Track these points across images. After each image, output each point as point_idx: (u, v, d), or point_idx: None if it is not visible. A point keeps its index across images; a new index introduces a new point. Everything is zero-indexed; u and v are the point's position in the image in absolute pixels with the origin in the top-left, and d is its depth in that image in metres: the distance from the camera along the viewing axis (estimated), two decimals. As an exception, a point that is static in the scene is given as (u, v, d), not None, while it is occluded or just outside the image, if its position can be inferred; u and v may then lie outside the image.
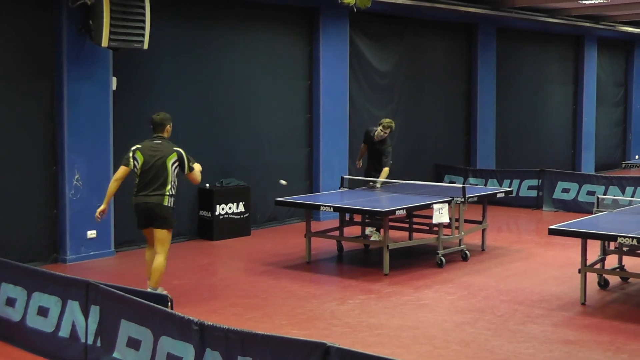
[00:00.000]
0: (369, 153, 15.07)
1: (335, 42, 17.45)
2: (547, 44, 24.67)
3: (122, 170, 10.66)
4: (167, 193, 10.53)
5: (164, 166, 10.50)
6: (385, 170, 14.51)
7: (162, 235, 10.61)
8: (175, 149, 10.59)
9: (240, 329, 6.50)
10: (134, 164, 10.59)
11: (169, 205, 10.56)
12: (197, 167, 10.76)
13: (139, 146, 10.66)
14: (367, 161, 15.17)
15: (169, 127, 10.84)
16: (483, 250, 14.31)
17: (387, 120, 14.82)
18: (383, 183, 14.62)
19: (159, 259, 10.56)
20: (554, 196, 19.08)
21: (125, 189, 14.06)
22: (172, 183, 10.56)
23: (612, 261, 11.92)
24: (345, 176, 15.38)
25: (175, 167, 10.56)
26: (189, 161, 10.60)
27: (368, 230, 14.61)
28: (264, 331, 6.49)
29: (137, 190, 10.68)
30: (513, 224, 17.74)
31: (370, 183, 14.75)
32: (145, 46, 13.23)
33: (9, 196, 12.75)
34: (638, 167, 22.94)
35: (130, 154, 10.63)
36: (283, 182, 14.04)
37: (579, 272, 10.83)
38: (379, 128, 14.64)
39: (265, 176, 16.19)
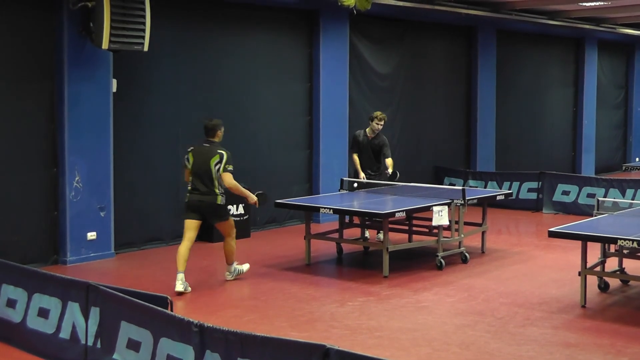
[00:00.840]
0: (363, 155, 15.08)
1: (335, 45, 17.46)
2: (547, 47, 24.68)
3: (185, 172, 11.97)
4: (217, 192, 11.64)
5: (209, 167, 11.57)
6: (391, 160, 14.82)
7: (224, 227, 11.92)
8: (220, 150, 11.62)
9: (239, 330, 6.50)
10: (186, 165, 11.83)
11: (222, 203, 11.73)
12: (230, 178, 11.67)
13: (192, 148, 11.86)
14: (361, 164, 15.14)
15: (219, 132, 11.87)
16: (483, 252, 14.31)
17: (379, 112, 15.11)
18: (390, 179, 14.81)
19: (230, 243, 11.96)
20: (554, 199, 19.09)
21: (125, 190, 14.12)
22: (218, 181, 11.62)
23: (612, 264, 11.92)
24: (344, 178, 15.37)
25: (218, 168, 11.57)
26: (227, 163, 11.58)
27: (379, 235, 14.59)
28: (263, 333, 6.49)
29: (191, 189, 11.79)
30: (513, 227, 17.74)
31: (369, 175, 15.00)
32: (146, 48, 13.23)
33: (9, 198, 12.75)
34: (638, 169, 22.95)
35: (185, 156, 11.89)
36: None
37: (579, 274, 10.82)
38: (374, 122, 14.88)
39: (265, 178, 16.18)
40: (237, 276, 12.17)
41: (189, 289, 11.57)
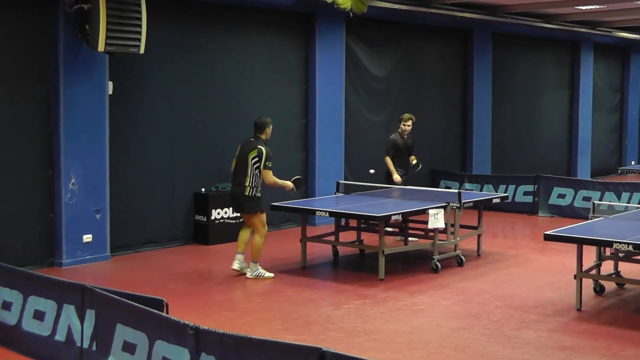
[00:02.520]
0: (401, 157, 15.57)
1: (331, 47, 17.47)
2: (543, 50, 24.70)
3: (233, 163, 12.68)
4: (247, 184, 12.19)
5: (246, 160, 12.23)
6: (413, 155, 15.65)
7: (252, 220, 12.42)
8: (259, 146, 12.22)
9: (235, 333, 6.51)
10: (235, 156, 12.57)
11: (250, 195, 12.22)
12: (270, 175, 12.26)
13: (242, 143, 12.56)
14: (399, 166, 15.53)
15: (268, 130, 12.54)
16: (479, 255, 14.32)
17: (406, 114, 15.76)
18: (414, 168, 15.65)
19: (255, 238, 12.40)
20: (550, 202, 19.09)
21: (121, 192, 14.12)
22: (252, 176, 12.18)
23: (607, 267, 11.93)
24: (340, 181, 15.38)
25: (255, 162, 12.15)
26: (266, 160, 12.14)
27: (410, 238, 14.63)
28: (259, 336, 6.48)
29: (231, 180, 12.67)
30: (509, 230, 17.75)
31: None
32: (142, 51, 13.23)
33: (5, 200, 12.74)
34: (634, 172, 22.97)
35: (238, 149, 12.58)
36: (372, 171, 15.44)
37: (575, 277, 10.84)
38: (408, 124, 15.53)
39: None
40: (257, 277, 12.35)
41: (248, 270, 12.55)
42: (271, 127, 12.62)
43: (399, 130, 15.55)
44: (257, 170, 12.17)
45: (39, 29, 13.04)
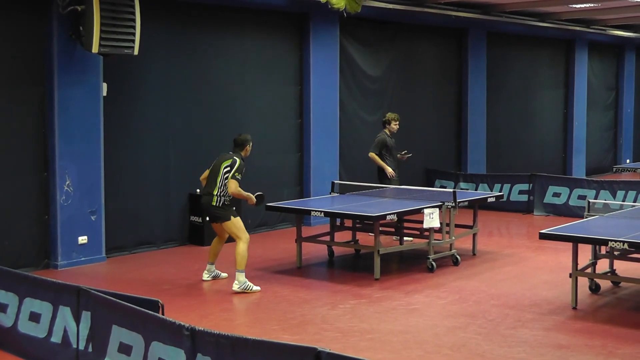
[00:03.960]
0: (392, 156, 15.59)
1: (325, 47, 17.47)
2: (537, 48, 24.71)
3: (205, 172, 12.39)
4: (215, 193, 11.89)
5: (219, 169, 11.96)
6: None
7: (226, 228, 12.03)
8: (235, 157, 11.98)
9: (231, 334, 6.51)
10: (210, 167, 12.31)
11: (217, 204, 11.92)
12: (235, 185, 11.85)
13: (220, 155, 12.25)
14: (390, 162, 15.54)
15: (247, 147, 12.26)
16: (474, 254, 14.33)
17: (393, 114, 15.72)
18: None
19: (238, 246, 11.83)
20: (545, 200, 19.10)
21: (116, 194, 14.12)
22: (221, 185, 11.89)
23: (603, 265, 11.95)
24: (335, 181, 15.39)
25: (226, 172, 11.85)
26: (237, 170, 11.84)
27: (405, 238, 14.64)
28: (255, 336, 6.48)
29: (202, 190, 12.47)
30: (504, 229, 17.76)
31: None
32: (136, 52, 13.22)
33: (0, 202, 12.76)
34: (629, 171, 22.99)
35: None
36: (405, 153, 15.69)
37: (570, 276, 10.84)
38: (394, 124, 15.54)
39: (256, 181, 16.15)
40: (244, 290, 11.70)
41: (223, 275, 12.57)
42: (251, 144, 12.31)
43: (386, 131, 15.51)
44: (227, 180, 11.81)
45: (33, 30, 13.03)
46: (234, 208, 12.16)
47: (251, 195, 12.08)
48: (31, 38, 13.02)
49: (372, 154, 15.36)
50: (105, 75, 13.71)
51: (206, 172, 12.26)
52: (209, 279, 12.39)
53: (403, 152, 15.74)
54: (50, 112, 13.14)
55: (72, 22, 12.94)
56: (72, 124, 13.26)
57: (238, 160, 11.88)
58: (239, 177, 11.83)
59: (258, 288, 11.81)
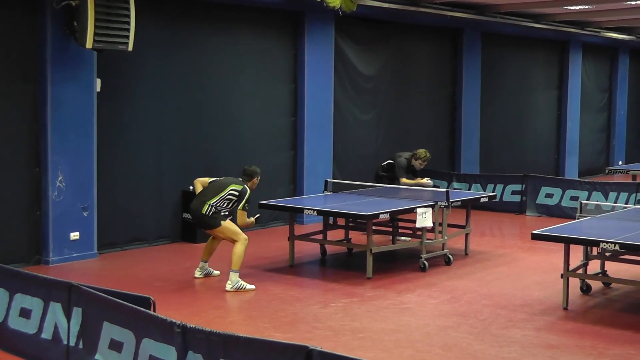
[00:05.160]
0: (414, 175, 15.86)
1: (320, 46, 17.46)
2: (532, 49, 24.73)
3: (203, 179, 12.34)
4: (209, 203, 11.79)
5: (225, 186, 11.87)
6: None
7: (220, 234, 11.98)
8: (245, 186, 11.94)
9: (222, 331, 6.50)
10: (210, 178, 12.32)
11: (207, 213, 11.80)
12: (244, 217, 11.90)
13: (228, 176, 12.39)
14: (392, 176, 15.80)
15: (255, 180, 12.26)
16: (466, 254, 14.34)
17: (423, 151, 15.89)
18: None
19: (236, 247, 11.77)
20: (538, 201, 19.13)
21: (108, 190, 14.10)
22: (218, 200, 11.80)
23: (594, 266, 11.97)
24: (329, 180, 15.39)
25: (231, 194, 11.81)
26: (246, 202, 11.82)
27: (402, 237, 14.64)
28: (246, 334, 6.49)
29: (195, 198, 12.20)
30: (496, 229, 17.77)
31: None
32: (130, 48, 13.20)
33: (-9, 197, 12.74)
34: (621, 172, 23.03)
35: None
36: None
37: (562, 277, 10.87)
38: (419, 162, 15.75)
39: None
40: (238, 289, 11.68)
41: (216, 272, 12.53)
42: (259, 178, 12.32)
43: (413, 162, 15.76)
44: (227, 201, 11.78)
45: (27, 25, 12.99)
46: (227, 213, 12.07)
47: (253, 220, 12.09)
48: (25, 33, 12.98)
49: (403, 180, 15.59)
50: (99, 71, 13.69)
51: (205, 179, 12.25)
52: (200, 276, 12.38)
53: (426, 178, 15.99)
54: (43, 108, 13.11)
55: (66, 17, 12.91)
56: (65, 119, 13.23)
57: (248, 191, 11.88)
58: (247, 207, 11.88)
59: (252, 287, 11.76)
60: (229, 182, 11.91)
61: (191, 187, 14.98)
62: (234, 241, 11.80)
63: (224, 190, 11.79)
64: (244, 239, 11.82)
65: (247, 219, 11.93)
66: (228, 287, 11.67)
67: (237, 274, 11.70)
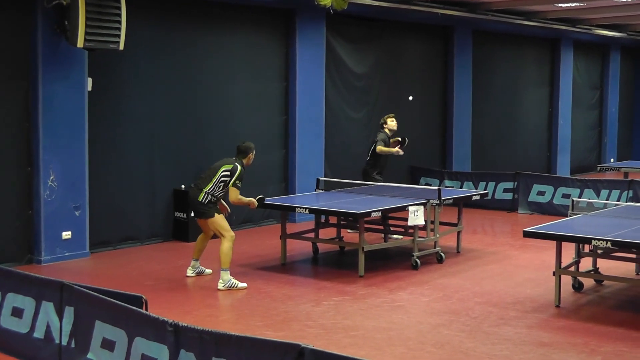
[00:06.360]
0: (380, 157, 15.72)
1: (311, 44, 17.46)
2: (523, 47, 24.77)
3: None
4: (205, 190, 11.74)
5: (217, 170, 11.82)
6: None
7: (211, 225, 11.93)
8: (236, 163, 11.87)
9: (214, 330, 6.50)
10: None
11: (202, 200, 11.75)
12: (236, 193, 11.84)
13: (222, 159, 12.14)
14: (379, 166, 15.81)
15: (251, 155, 12.16)
16: (458, 252, 14.35)
17: (388, 115, 16.09)
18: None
19: (222, 245, 11.77)
20: (530, 199, 19.16)
21: (100, 189, 14.08)
22: (213, 186, 11.75)
23: (586, 264, 11.98)
24: (320, 178, 15.39)
25: (224, 175, 11.75)
26: (237, 178, 11.76)
27: (395, 236, 14.64)
28: (238, 332, 6.49)
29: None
30: (488, 227, 17.79)
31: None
32: (121, 47, 13.19)
33: (-17, 197, 12.71)
34: (613, 170, 23.07)
35: None
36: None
37: (554, 274, 10.88)
38: (390, 122, 15.86)
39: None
40: (229, 288, 11.61)
41: (208, 271, 12.52)
42: (254, 153, 12.20)
43: (386, 130, 15.72)
44: (222, 184, 11.72)
45: (18, 24, 12.97)
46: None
47: (253, 199, 12.13)
48: (15, 32, 12.96)
49: (379, 147, 15.51)
50: (90, 70, 13.67)
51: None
52: (193, 275, 12.38)
53: (397, 147, 15.93)
54: (34, 107, 13.09)
55: (57, 16, 12.90)
56: (56, 118, 13.21)
57: (239, 168, 11.79)
58: (239, 184, 11.78)
59: (244, 285, 11.76)
60: (221, 164, 11.87)
61: (183, 186, 15.06)
62: (220, 235, 11.80)
63: (216, 174, 11.77)
64: (230, 236, 11.78)
65: (242, 198, 11.94)
66: (220, 286, 11.65)
67: (228, 272, 11.69)
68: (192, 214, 12.66)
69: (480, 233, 16.86)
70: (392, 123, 15.74)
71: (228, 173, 11.74)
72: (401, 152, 15.74)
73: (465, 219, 15.00)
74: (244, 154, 12.07)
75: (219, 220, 11.86)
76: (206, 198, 11.74)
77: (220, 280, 11.68)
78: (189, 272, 12.40)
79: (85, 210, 13.70)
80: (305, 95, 17.40)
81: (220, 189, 11.78)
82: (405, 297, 11.39)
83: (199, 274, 12.43)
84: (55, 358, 8.04)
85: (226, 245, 11.70)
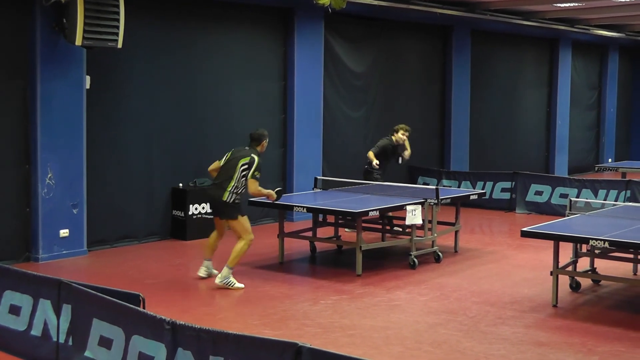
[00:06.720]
0: (388, 161, 15.80)
1: (310, 43, 17.45)
2: (521, 47, 24.77)
3: (214, 164, 12.15)
4: (229, 189, 11.58)
5: (235, 166, 11.64)
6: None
7: (232, 226, 11.77)
8: (253, 155, 11.72)
9: (212, 328, 6.50)
10: (221, 160, 12.00)
11: (228, 200, 11.59)
12: (255, 185, 11.74)
13: (234, 149, 12.03)
14: (380, 168, 15.61)
15: (264, 143, 12.09)
16: (456, 252, 14.36)
17: (403, 125, 15.87)
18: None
19: (239, 244, 11.67)
20: (527, 199, 19.16)
21: (98, 187, 14.08)
22: (236, 182, 11.59)
23: (584, 264, 11.98)
24: (318, 177, 15.39)
25: (244, 170, 11.60)
26: (255, 169, 11.62)
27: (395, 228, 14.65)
28: (236, 331, 6.49)
29: (211, 184, 12.22)
30: (486, 226, 17.80)
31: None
32: (119, 45, 13.18)
33: (-19, 194, 12.71)
34: (611, 170, 23.08)
35: (227, 154, 12.02)
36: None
37: (551, 274, 10.88)
38: (400, 133, 15.67)
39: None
40: (225, 285, 11.54)
41: (215, 272, 12.14)
42: (267, 140, 12.15)
43: (393, 138, 15.72)
44: (244, 179, 11.57)
45: (16, 22, 12.97)
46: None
47: (271, 191, 12.11)
48: (14, 30, 12.96)
49: (370, 152, 15.44)
50: (88, 68, 13.66)
51: (215, 164, 12.04)
52: (204, 276, 12.14)
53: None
54: (32, 105, 13.08)
55: (55, 14, 12.89)
56: (54, 116, 13.21)
57: (257, 159, 11.66)
58: (258, 176, 11.68)
59: (241, 285, 11.69)
60: (238, 159, 11.69)
61: (181, 185, 15.06)
62: (239, 237, 11.68)
63: (236, 170, 11.60)
64: (249, 239, 11.68)
65: (262, 189, 11.91)
66: (217, 280, 11.63)
67: (231, 271, 11.62)
68: (212, 212, 12.38)
69: (478, 233, 16.87)
70: (400, 135, 15.64)
71: (247, 166, 11.60)
72: (375, 167, 15.43)
73: (462, 219, 15.00)
74: (257, 142, 11.97)
75: (243, 222, 11.75)
76: (231, 197, 11.59)
77: (219, 275, 11.65)
78: (202, 273, 12.16)
79: (83, 208, 13.69)
80: (303, 94, 17.40)
81: (243, 184, 11.64)
82: (402, 296, 11.40)
83: (210, 275, 12.18)
84: (53, 356, 8.04)
85: (242, 245, 11.61)
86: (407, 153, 15.82)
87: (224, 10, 16.08)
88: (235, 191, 11.59)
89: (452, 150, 21.79)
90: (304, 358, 5.91)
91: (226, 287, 11.58)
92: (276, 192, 12.20)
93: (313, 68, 17.59)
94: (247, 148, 11.89)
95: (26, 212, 13.22)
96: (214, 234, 12.19)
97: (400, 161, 15.95)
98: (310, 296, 11.39)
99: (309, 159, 17.56)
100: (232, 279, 11.64)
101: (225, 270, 11.62)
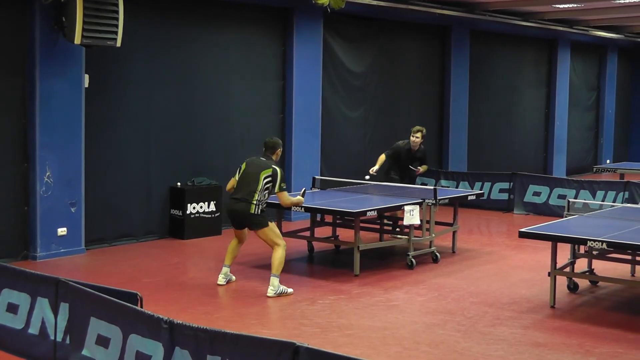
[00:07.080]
0: (401, 164, 15.36)
1: (308, 43, 17.45)
2: (520, 48, 24.77)
3: (231, 181, 11.86)
4: (254, 202, 11.37)
5: (257, 178, 11.41)
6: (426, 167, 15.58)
7: (263, 235, 11.54)
8: (274, 166, 11.52)
9: (209, 327, 6.49)
10: (236, 174, 11.74)
11: (256, 212, 11.41)
12: (286, 197, 11.78)
13: (248, 159, 11.78)
14: (395, 170, 15.43)
15: (278, 151, 11.88)
16: (454, 252, 14.35)
17: (420, 127, 15.40)
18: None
19: (276, 252, 11.44)
20: (525, 199, 19.16)
21: (96, 185, 14.07)
22: (260, 194, 11.38)
23: (581, 265, 11.99)
24: (316, 177, 15.38)
25: (267, 182, 11.40)
26: (281, 181, 11.49)
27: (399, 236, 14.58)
28: (233, 330, 6.48)
29: (231, 194, 11.71)
30: (484, 227, 17.80)
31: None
32: (118, 44, 13.17)
33: (-21, 192, 12.70)
34: (609, 171, 23.08)
35: (240, 165, 11.79)
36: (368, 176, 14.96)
37: (549, 275, 10.88)
38: (416, 136, 15.16)
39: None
40: (279, 295, 11.23)
41: (234, 278, 12.05)
42: (281, 149, 11.98)
43: (410, 141, 15.35)
44: (266, 191, 11.40)
45: (15, 20, 12.96)
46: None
47: (301, 198, 12.09)
48: (13, 28, 12.95)
49: (381, 156, 15.28)
50: (87, 66, 13.66)
51: (232, 181, 11.76)
52: (224, 283, 11.90)
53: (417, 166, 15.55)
54: (31, 103, 13.08)
55: (54, 12, 12.89)
56: (53, 115, 13.20)
57: (279, 171, 11.49)
58: (284, 187, 11.59)
59: (291, 290, 11.47)
60: (259, 171, 11.44)
61: (179, 184, 15.05)
62: (274, 244, 11.47)
63: (259, 183, 11.36)
64: (283, 244, 11.53)
65: (292, 198, 11.96)
66: (270, 292, 11.26)
67: (278, 278, 11.35)
68: (236, 225, 11.80)
69: (476, 233, 16.87)
70: (414, 139, 15.20)
71: (270, 178, 11.41)
72: (374, 174, 15.09)
73: (460, 219, 15.01)
74: (272, 150, 11.76)
75: (273, 228, 11.62)
76: (257, 209, 11.40)
77: (271, 287, 11.32)
78: (221, 280, 11.87)
79: (81, 206, 13.69)
80: (302, 94, 17.39)
81: (266, 196, 11.48)
82: (400, 296, 11.40)
83: (229, 281, 12.01)
84: (50, 354, 8.04)
85: (280, 252, 11.40)
86: (422, 169, 15.54)
87: (223, 10, 16.07)
88: (260, 202, 11.42)
89: (451, 150, 21.79)
90: (301, 358, 5.90)
91: (280, 296, 11.27)
92: (302, 195, 12.17)
93: (312, 68, 17.59)
94: (262, 158, 11.67)
95: (24, 210, 13.22)
96: (234, 242, 11.98)
97: (415, 168, 15.42)
98: (308, 296, 11.38)
99: (307, 159, 17.56)
100: (282, 287, 11.36)
101: (273, 280, 11.30)
